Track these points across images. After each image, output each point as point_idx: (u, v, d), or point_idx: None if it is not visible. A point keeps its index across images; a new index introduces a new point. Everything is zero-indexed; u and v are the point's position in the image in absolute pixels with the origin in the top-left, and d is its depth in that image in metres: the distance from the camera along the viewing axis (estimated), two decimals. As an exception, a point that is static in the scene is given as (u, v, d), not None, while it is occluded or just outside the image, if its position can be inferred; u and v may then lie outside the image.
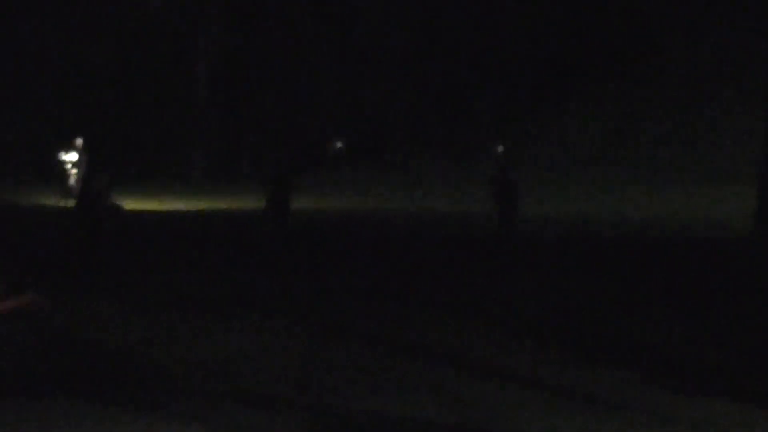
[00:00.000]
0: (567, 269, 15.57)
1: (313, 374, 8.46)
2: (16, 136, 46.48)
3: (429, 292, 13.01)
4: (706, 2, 50.20)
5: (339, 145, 45.27)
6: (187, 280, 13.91)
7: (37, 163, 42.40)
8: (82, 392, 7.95)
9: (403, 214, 27.60)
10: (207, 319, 10.87)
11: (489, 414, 7.43)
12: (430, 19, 50.42)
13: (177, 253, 17.31)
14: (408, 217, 26.81)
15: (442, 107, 50.12)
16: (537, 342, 9.83)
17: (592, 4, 51.37)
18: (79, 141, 31.79)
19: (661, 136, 46.87)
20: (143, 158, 47.89)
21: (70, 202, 24.35)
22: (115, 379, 8.33)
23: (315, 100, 50.07)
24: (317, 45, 50.04)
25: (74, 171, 31.03)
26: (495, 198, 20.87)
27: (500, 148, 42.81)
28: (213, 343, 9.56)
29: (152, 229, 23.14)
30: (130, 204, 30.42)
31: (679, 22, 50.71)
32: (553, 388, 8.13)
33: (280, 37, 49.50)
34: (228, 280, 13.87)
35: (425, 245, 20.00)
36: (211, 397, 7.79)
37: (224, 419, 7.29)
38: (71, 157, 31.39)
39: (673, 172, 41.73)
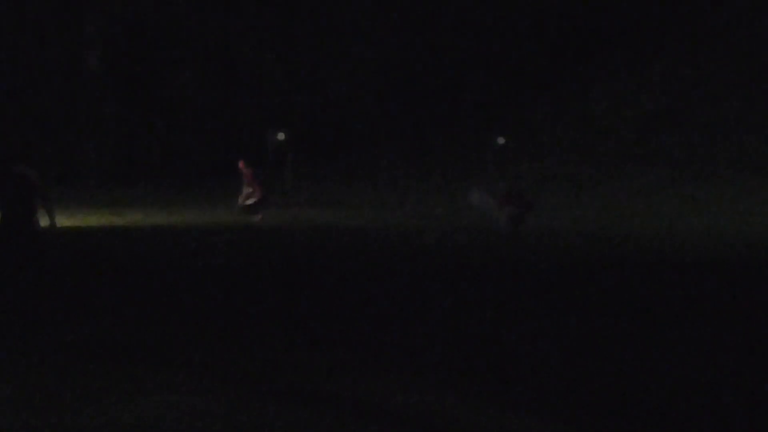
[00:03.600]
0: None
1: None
2: None
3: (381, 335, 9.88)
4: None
5: (280, 136, 35.09)
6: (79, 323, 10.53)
7: None
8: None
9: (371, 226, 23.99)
10: (106, 375, 8.37)
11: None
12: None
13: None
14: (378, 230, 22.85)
15: (427, 94, 40.50)
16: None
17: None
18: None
19: (708, 123, 38.38)
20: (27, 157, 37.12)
21: None
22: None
23: (253, 82, 39.12)
24: (256, 11, 38.90)
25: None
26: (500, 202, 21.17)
27: (500, 140, 37.58)
28: (119, 407, 7.43)
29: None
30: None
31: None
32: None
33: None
34: (132, 324, 10.41)
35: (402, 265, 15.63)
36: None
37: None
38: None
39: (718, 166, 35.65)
